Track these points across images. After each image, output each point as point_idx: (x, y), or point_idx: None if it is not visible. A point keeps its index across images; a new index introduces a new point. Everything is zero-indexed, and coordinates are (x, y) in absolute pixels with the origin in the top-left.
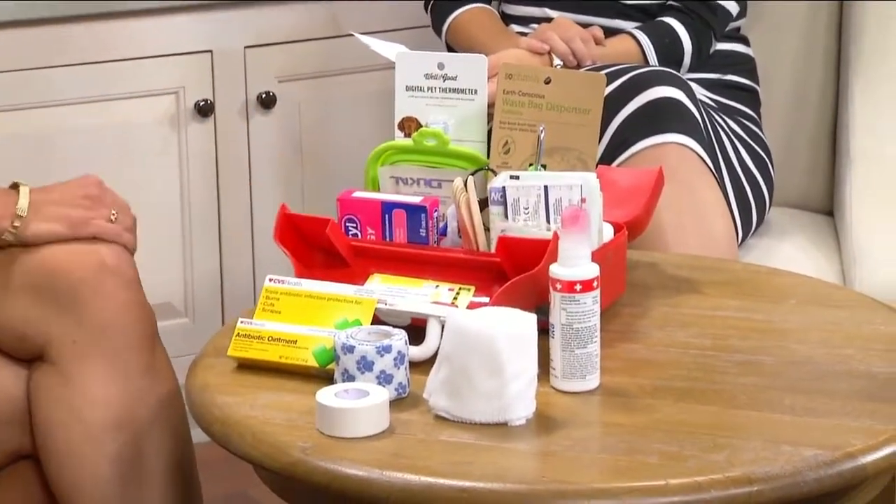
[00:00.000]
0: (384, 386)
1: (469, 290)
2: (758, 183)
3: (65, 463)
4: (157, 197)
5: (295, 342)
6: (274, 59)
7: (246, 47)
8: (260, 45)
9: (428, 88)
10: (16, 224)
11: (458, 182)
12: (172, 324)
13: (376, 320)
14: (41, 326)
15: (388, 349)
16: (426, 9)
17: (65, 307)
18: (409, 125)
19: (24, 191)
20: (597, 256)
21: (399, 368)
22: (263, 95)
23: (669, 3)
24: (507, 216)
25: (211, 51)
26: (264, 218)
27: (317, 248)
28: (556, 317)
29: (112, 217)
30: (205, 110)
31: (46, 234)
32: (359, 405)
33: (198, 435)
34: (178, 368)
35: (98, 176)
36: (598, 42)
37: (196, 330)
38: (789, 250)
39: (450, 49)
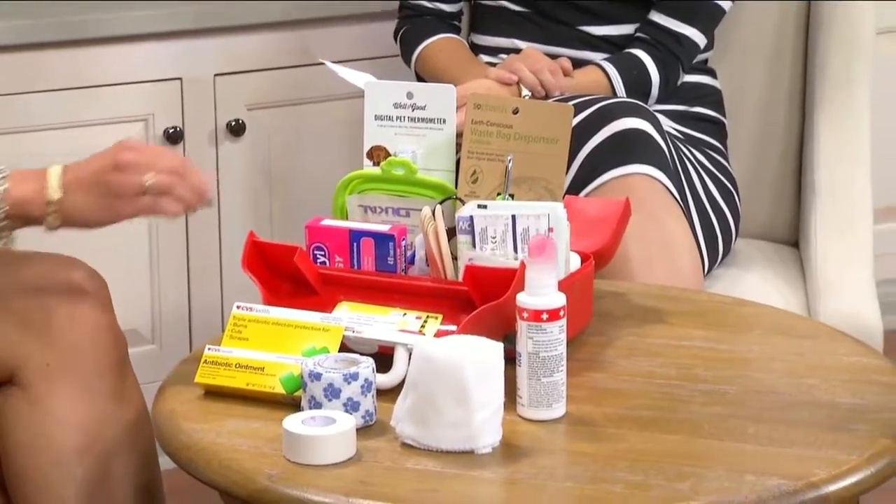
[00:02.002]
0: (351, 413)
1: (436, 318)
2: (724, 214)
3: (32, 488)
4: (125, 223)
5: (262, 369)
6: (244, 86)
7: (216, 75)
8: (230, 73)
9: (397, 118)
10: (52, 210)
11: (427, 211)
12: (140, 351)
13: (344, 348)
14: (15, 349)
15: (355, 377)
16: (395, 38)
17: (39, 330)
18: (378, 154)
19: (54, 171)
20: (564, 286)
21: (366, 396)
22: (233, 123)
23: (637, 34)
24: (474, 245)
25: (181, 78)
26: (233, 245)
27: (285, 276)
28: (523, 345)
29: (147, 181)
30: (174, 137)
31: (84, 217)
32: (325, 432)
33: (165, 462)
34: (145, 395)
35: (134, 139)
36: (566, 73)
37: (163, 357)
38: (755, 281)
39: (419, 78)
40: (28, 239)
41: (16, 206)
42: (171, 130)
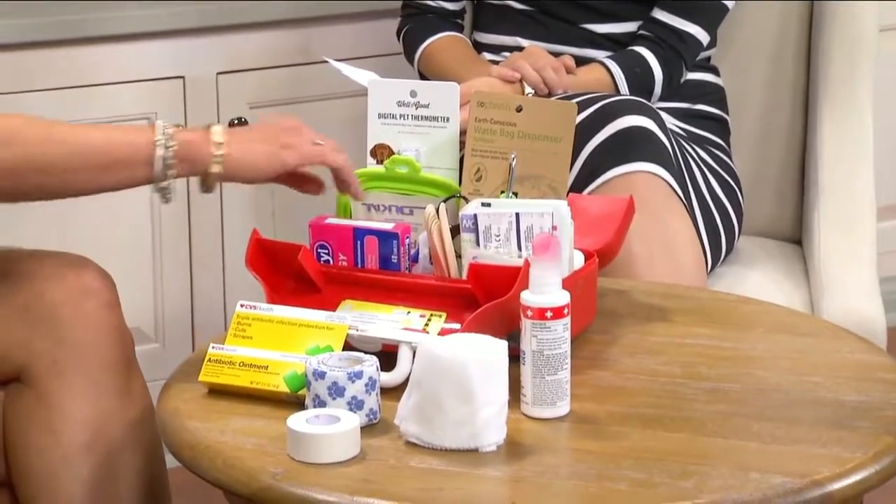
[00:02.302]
0: (355, 412)
1: (440, 316)
2: (727, 212)
3: (39, 484)
4: (128, 222)
5: (266, 368)
6: (246, 85)
7: (218, 73)
8: (232, 72)
9: (400, 116)
10: (218, 153)
11: (430, 209)
12: (143, 349)
13: (348, 346)
14: (23, 347)
15: (359, 375)
16: (398, 36)
17: (46, 328)
18: (382, 152)
19: (215, 126)
20: (567, 284)
21: (370, 394)
22: (235, 121)
23: (640, 32)
24: (478, 243)
25: (183, 77)
26: (235, 243)
27: (288, 274)
28: (527, 343)
29: (317, 142)
30: None
31: (249, 162)
32: (330, 431)
33: (169, 460)
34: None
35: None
36: (569, 71)
37: (166, 355)
38: (758, 279)
39: (422, 76)
40: (32, 239)
41: (183, 145)
42: None
